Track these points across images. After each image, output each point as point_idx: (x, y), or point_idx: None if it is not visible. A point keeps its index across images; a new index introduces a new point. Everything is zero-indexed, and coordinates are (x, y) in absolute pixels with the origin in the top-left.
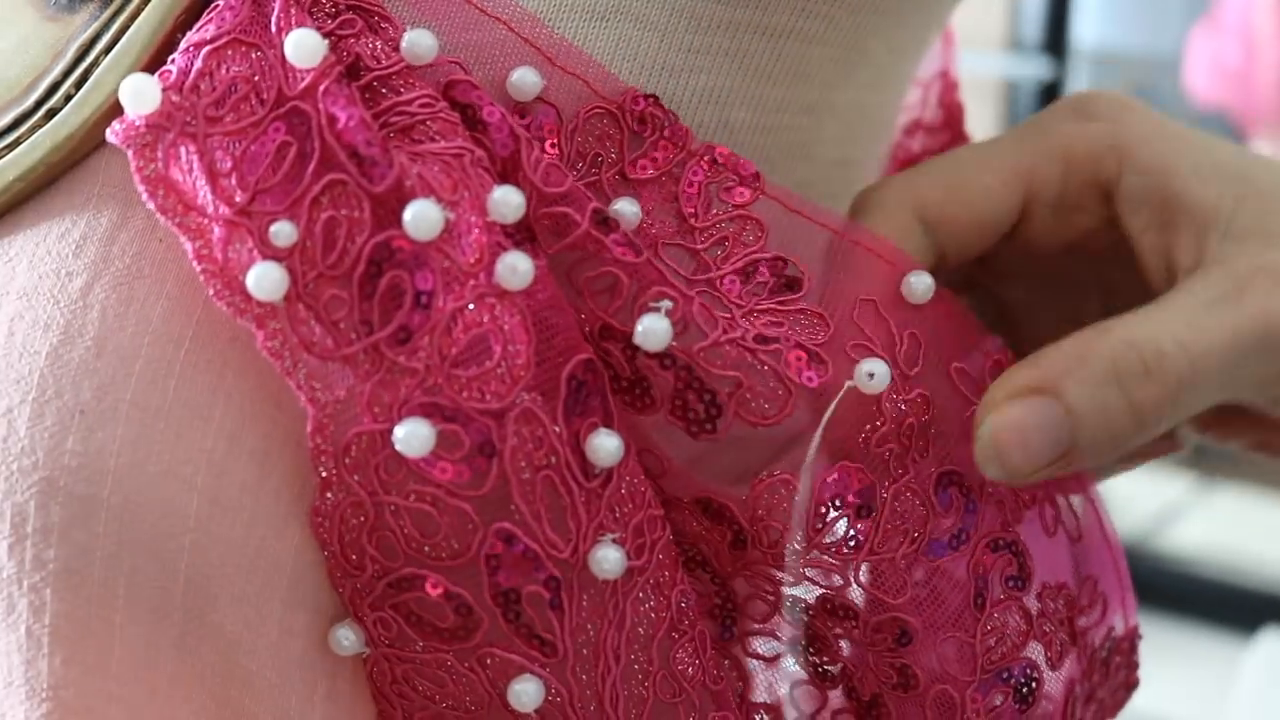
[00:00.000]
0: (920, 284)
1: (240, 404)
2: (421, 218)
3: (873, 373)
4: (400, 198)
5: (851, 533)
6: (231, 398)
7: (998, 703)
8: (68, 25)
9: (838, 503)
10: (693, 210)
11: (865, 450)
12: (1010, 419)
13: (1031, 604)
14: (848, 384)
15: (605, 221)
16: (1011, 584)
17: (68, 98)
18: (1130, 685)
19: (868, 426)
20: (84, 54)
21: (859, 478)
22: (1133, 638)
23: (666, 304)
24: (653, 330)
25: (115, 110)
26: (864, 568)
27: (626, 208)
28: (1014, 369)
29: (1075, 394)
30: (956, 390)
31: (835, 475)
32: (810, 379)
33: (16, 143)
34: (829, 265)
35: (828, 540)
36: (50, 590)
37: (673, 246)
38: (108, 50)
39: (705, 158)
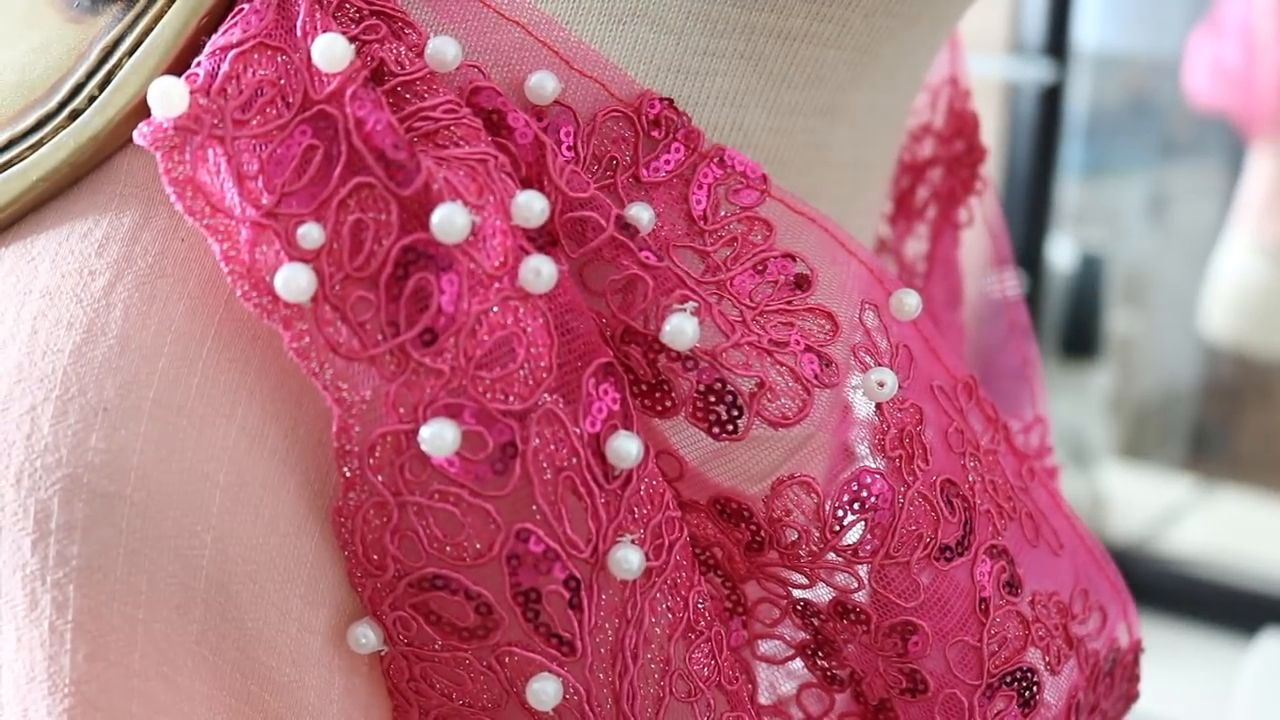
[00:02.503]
0: (909, 301)
1: (262, 402)
2: (449, 221)
3: (882, 381)
4: (427, 201)
5: (868, 536)
6: (254, 396)
7: (1002, 707)
8: (91, 27)
9: (856, 506)
10: (702, 213)
11: (878, 454)
12: None
13: (1026, 610)
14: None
15: (628, 226)
16: (1008, 590)
17: (91, 99)
18: (1130, 697)
19: (877, 432)
20: (107, 55)
21: (878, 482)
22: (1136, 651)
23: (692, 305)
24: (681, 329)
25: (139, 111)
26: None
27: (641, 214)
28: None
29: None
30: (939, 406)
31: (854, 479)
32: (823, 382)
33: (40, 143)
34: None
35: (844, 543)
36: (73, 586)
37: (683, 249)
38: (131, 52)
39: (715, 160)
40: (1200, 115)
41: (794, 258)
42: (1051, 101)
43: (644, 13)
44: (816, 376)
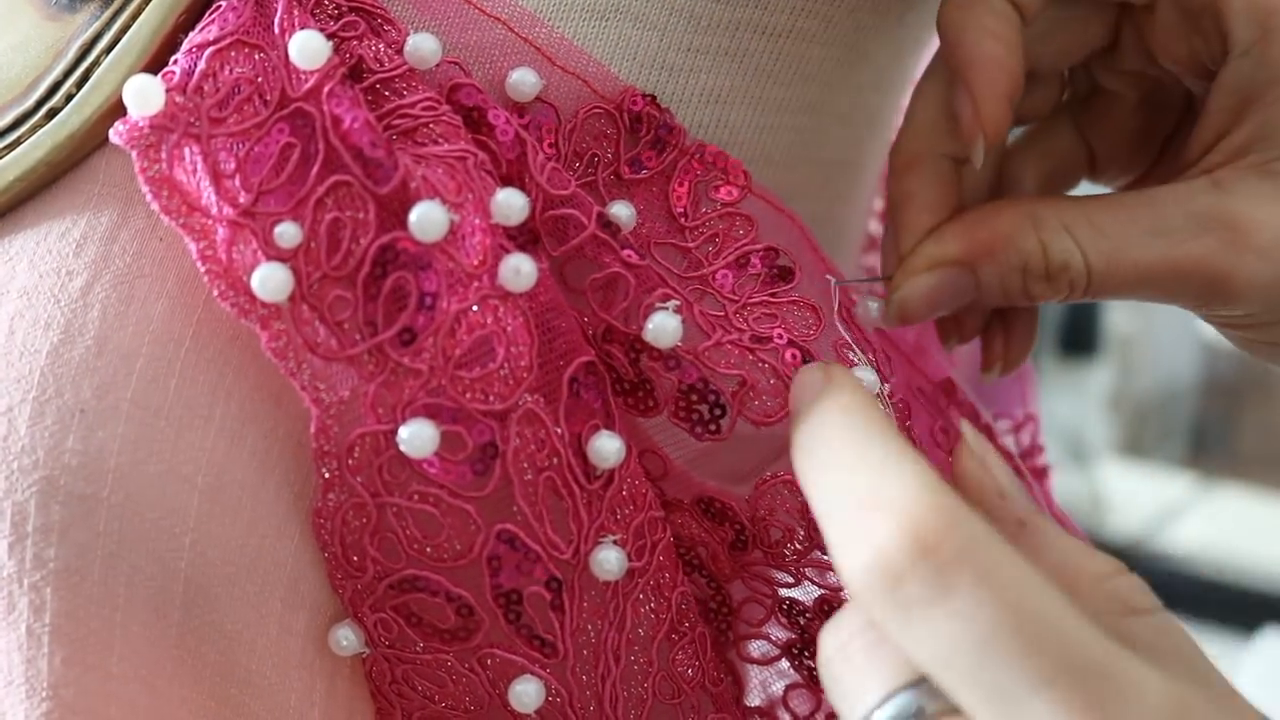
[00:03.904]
0: (874, 308)
1: (240, 403)
2: (427, 219)
3: (861, 381)
4: (405, 199)
5: None
6: (232, 397)
7: None
8: (68, 25)
9: None
10: (683, 209)
11: None
12: (925, 283)
13: None
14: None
15: (610, 224)
16: None
17: (69, 97)
18: None
19: None
20: (85, 53)
21: None
22: None
23: (674, 303)
24: (663, 328)
25: (116, 110)
26: None
27: (621, 211)
28: (948, 233)
29: (986, 274)
30: (922, 405)
31: None
32: None
33: (17, 142)
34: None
35: None
36: (51, 589)
37: (665, 246)
38: (109, 50)
39: (695, 157)
40: None
41: (777, 250)
42: None
43: (627, 9)
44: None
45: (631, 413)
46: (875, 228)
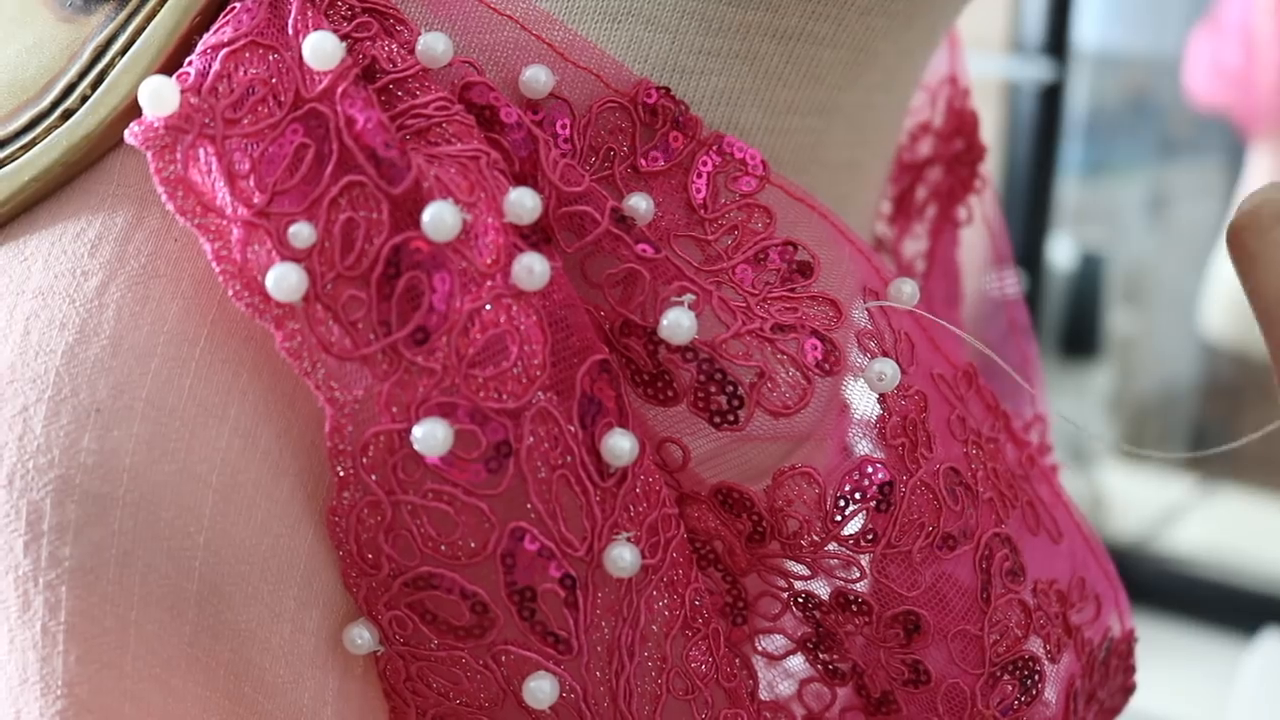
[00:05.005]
0: (906, 289)
1: (255, 403)
2: (439, 219)
3: (883, 374)
4: (418, 199)
5: (869, 525)
6: (246, 396)
7: (1004, 695)
8: (83, 26)
9: (857, 496)
10: (702, 201)
11: (880, 443)
12: None
13: (1028, 598)
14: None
15: (624, 219)
16: (1010, 578)
17: (84, 99)
18: (1128, 689)
19: (879, 420)
20: (100, 55)
21: (879, 472)
22: (1129, 640)
23: (689, 297)
24: (678, 324)
25: (131, 111)
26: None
27: (640, 204)
28: None
29: None
30: (940, 393)
31: (855, 468)
32: (825, 368)
33: (33, 143)
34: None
35: (846, 533)
36: (66, 587)
37: (684, 238)
38: (124, 52)
39: (713, 148)
40: (1200, 114)
41: (795, 245)
42: (1051, 101)
43: (639, 11)
44: (818, 364)
45: (652, 403)
46: (884, 230)
